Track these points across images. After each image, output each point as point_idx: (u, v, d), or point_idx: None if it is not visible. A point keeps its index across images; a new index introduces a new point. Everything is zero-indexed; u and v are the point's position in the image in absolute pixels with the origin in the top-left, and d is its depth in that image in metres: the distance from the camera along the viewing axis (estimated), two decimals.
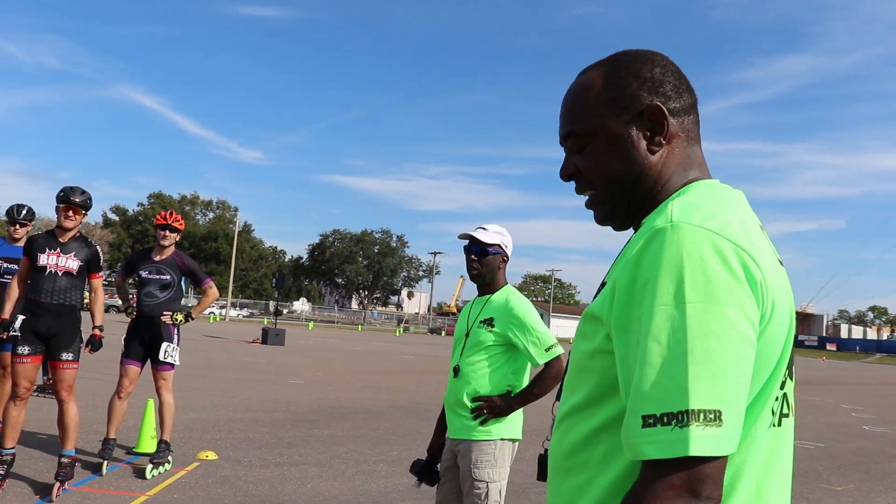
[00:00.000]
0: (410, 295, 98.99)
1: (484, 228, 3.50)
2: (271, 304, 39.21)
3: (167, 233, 6.07)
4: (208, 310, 60.97)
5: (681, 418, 0.90)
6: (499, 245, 3.46)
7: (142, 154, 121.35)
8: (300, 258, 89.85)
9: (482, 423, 3.31)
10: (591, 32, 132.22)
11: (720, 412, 0.90)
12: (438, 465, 3.54)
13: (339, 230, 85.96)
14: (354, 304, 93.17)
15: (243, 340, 28.85)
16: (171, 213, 6.14)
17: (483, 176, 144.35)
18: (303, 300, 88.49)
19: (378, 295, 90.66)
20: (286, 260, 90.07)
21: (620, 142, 1.18)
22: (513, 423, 3.38)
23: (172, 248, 6.20)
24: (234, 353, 21.86)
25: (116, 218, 74.95)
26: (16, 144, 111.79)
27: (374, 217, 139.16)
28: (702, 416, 0.89)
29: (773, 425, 1.06)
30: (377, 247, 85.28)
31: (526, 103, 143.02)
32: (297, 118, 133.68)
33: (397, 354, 28.50)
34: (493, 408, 3.30)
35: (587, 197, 1.27)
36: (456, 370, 3.52)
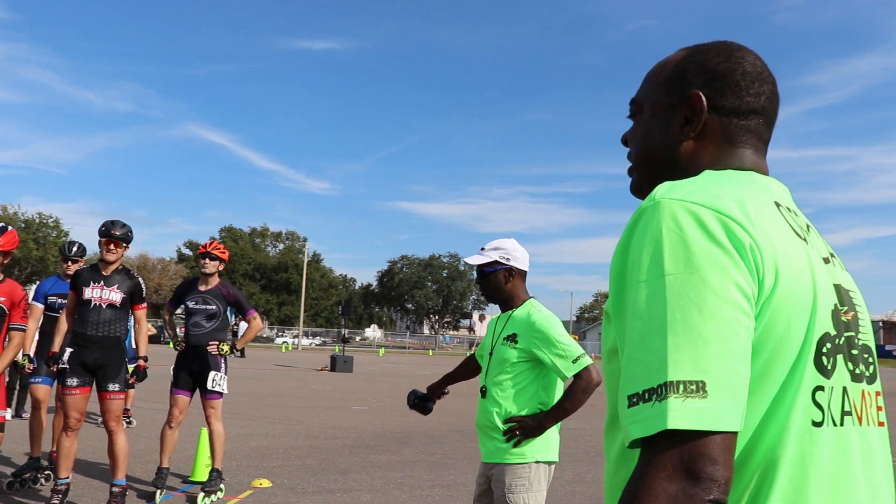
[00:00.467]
0: (482, 318, 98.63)
1: (482, 248, 3.43)
2: (345, 331, 39.51)
3: (207, 261, 6.17)
4: (281, 339, 62.20)
5: (660, 392, 0.84)
6: (496, 261, 3.37)
7: (213, 190, 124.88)
8: (370, 285, 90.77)
9: (515, 445, 3.20)
10: (647, 46, 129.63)
11: (703, 383, 0.83)
12: (431, 403, 3.83)
13: (406, 256, 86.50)
14: (426, 329, 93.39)
15: (313, 368, 29.17)
16: (210, 242, 6.25)
17: (547, 195, 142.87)
18: (374, 327, 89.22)
19: (449, 319, 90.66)
20: (356, 287, 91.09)
21: (660, 120, 1.19)
22: (547, 445, 3.25)
23: (217, 279, 6.29)
24: (303, 381, 22.10)
25: (190, 253, 77.12)
26: (95, 186, 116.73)
27: (441, 241, 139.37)
28: (681, 387, 0.83)
29: (830, 423, 0.96)
30: (445, 271, 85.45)
31: (586, 120, 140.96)
32: (361, 147, 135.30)
33: None
34: (525, 428, 3.19)
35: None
36: (483, 391, 3.42)
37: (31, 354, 6.36)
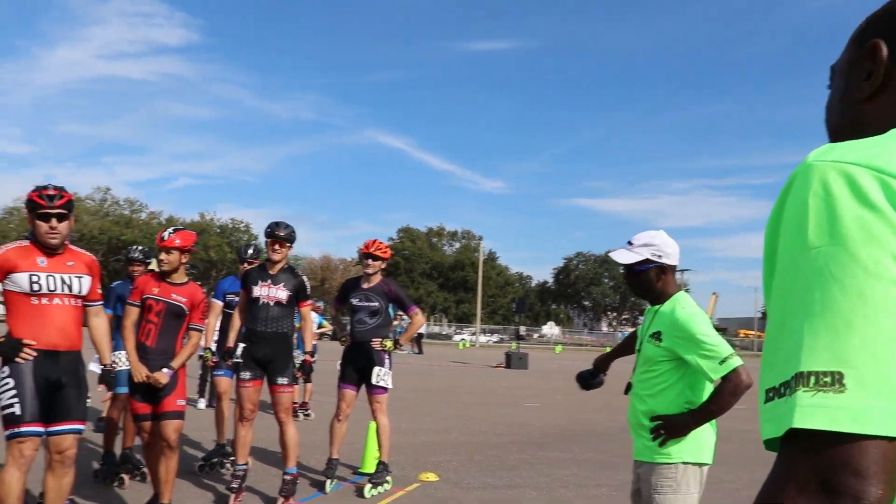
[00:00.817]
0: None
1: (630, 243, 3.24)
2: (522, 329, 39.69)
3: (370, 261, 6.33)
4: (458, 336, 63.43)
5: (792, 385, 0.71)
6: (646, 259, 3.17)
7: (391, 192, 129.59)
8: (546, 282, 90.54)
9: (661, 444, 3.04)
10: (834, 27, 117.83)
11: (841, 375, 0.69)
12: (598, 378, 3.87)
13: (582, 253, 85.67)
14: (604, 327, 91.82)
15: (488, 365, 29.47)
16: (373, 242, 6.40)
17: (728, 188, 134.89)
18: (551, 324, 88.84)
19: (627, 316, 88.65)
20: (532, 285, 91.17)
21: (843, 78, 1.05)
22: (698, 445, 3.05)
23: (379, 277, 6.45)
24: (478, 377, 22.40)
25: None
26: (282, 192, 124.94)
27: (617, 237, 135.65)
28: (812, 379, 0.70)
29: None
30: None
31: (769, 109, 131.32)
32: (536, 145, 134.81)
33: None
34: (670, 427, 3.02)
35: None
36: (629, 387, 3.30)
37: (213, 348, 6.87)
